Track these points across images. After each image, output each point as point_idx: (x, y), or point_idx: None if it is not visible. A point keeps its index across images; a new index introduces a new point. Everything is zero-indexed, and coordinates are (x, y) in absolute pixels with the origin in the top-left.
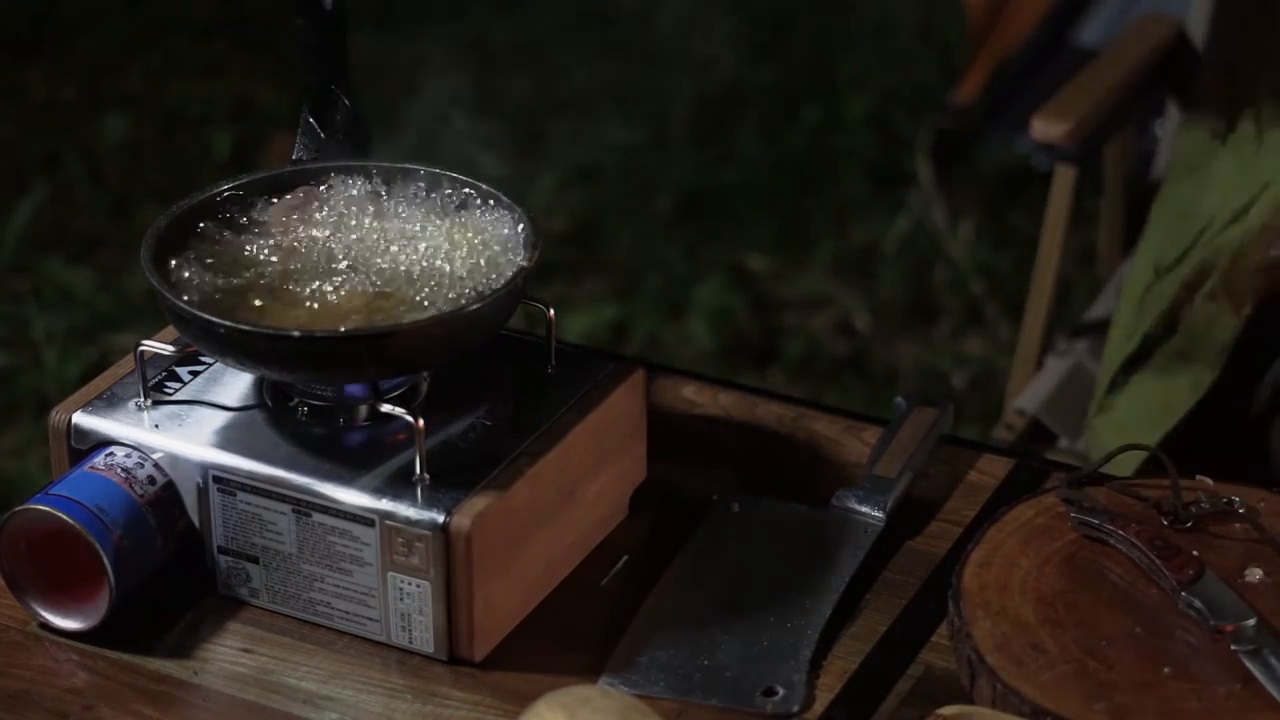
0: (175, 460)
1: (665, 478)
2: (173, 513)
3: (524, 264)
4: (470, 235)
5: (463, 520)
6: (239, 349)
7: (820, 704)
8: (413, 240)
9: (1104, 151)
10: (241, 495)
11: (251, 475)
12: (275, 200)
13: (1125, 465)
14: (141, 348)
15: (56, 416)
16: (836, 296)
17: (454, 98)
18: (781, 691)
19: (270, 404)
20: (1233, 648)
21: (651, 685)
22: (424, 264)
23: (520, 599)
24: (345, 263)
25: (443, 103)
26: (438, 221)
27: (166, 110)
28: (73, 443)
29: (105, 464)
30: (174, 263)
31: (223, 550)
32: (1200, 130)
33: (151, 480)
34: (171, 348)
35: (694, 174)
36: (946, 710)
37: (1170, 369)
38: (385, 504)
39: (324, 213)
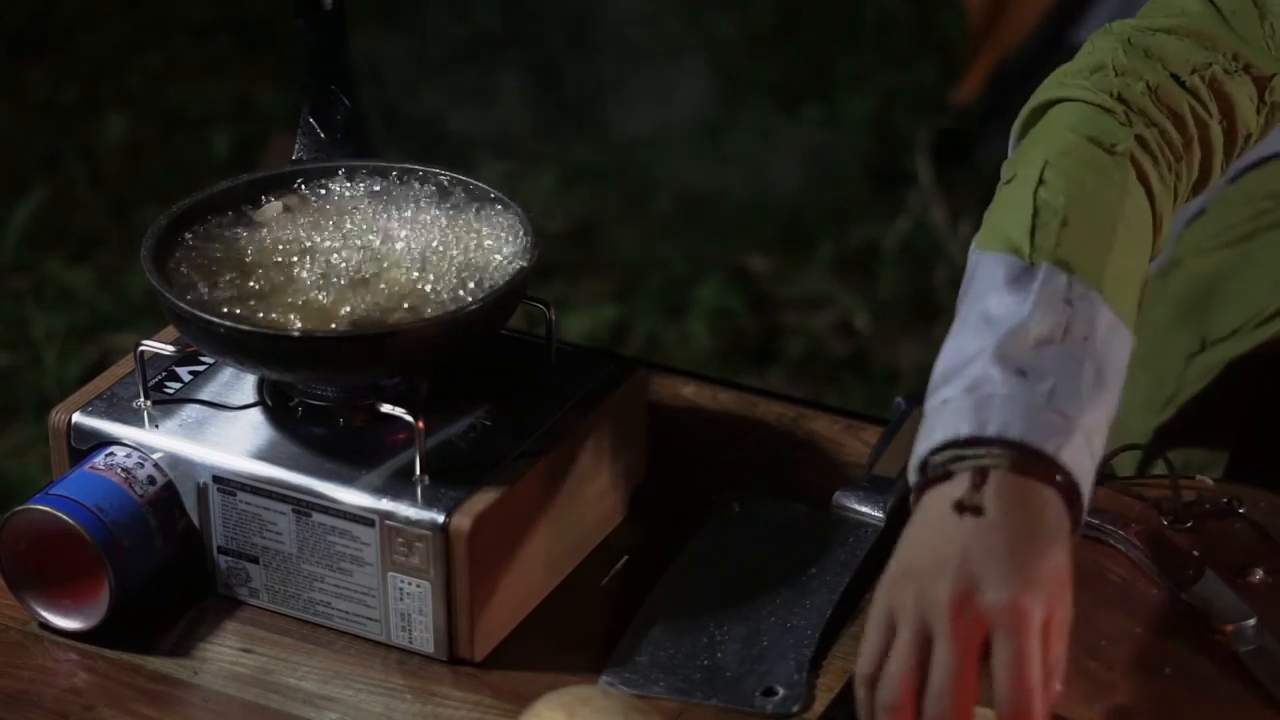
0: (175, 460)
1: (665, 478)
2: (173, 513)
3: (524, 264)
4: (470, 235)
5: (463, 520)
6: (239, 349)
7: (820, 704)
8: (412, 240)
9: None
10: (241, 495)
11: (251, 475)
12: (275, 200)
13: (1125, 465)
14: (141, 348)
15: (56, 416)
16: (836, 296)
17: (454, 96)
18: (781, 691)
19: (270, 404)
20: (1233, 648)
21: (651, 685)
22: (424, 264)
23: (520, 599)
24: (345, 262)
25: (443, 101)
26: (437, 221)
27: (166, 110)
28: (73, 443)
29: (105, 464)
30: (174, 263)
31: (223, 550)
32: (1259, 199)
33: (151, 480)
34: (171, 348)
35: (694, 174)
36: None
37: (1215, 425)
38: (385, 504)
39: (324, 212)
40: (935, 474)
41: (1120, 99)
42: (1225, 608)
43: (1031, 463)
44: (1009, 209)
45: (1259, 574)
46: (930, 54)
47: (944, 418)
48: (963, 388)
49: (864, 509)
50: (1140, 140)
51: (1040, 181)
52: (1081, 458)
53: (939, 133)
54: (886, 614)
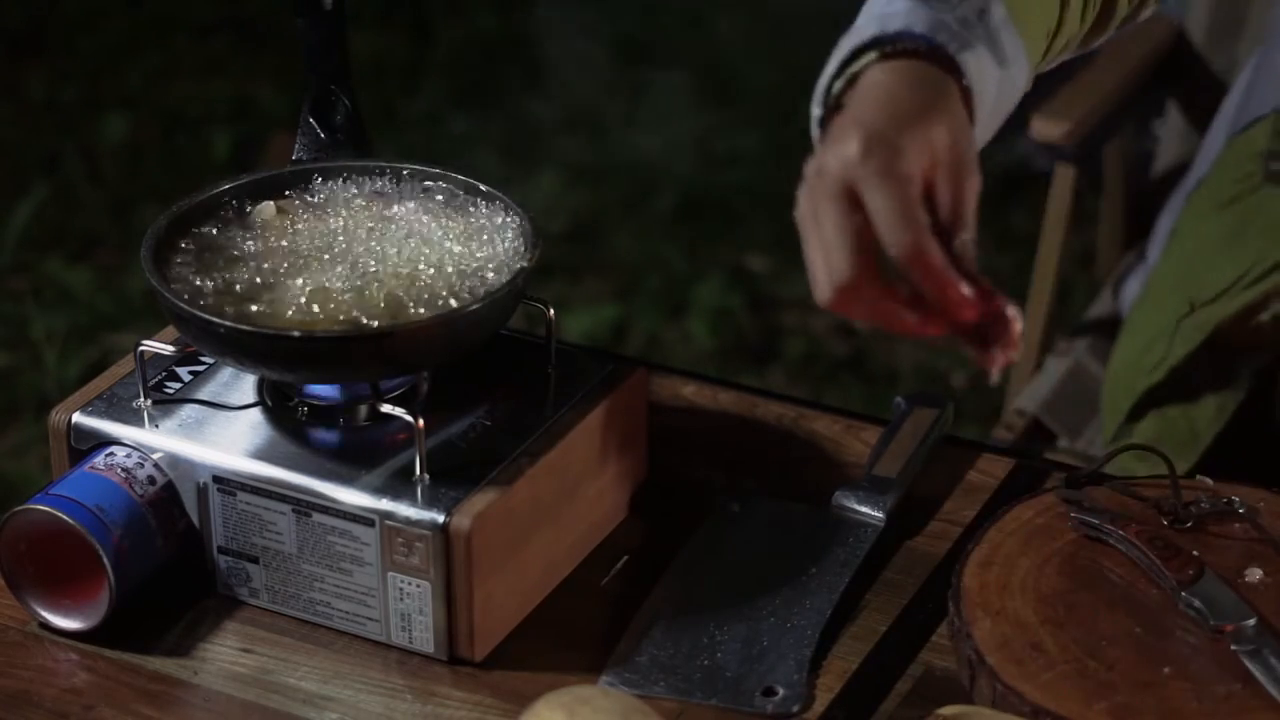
0: (175, 460)
1: (665, 477)
2: (173, 513)
3: (524, 264)
4: (470, 235)
5: (463, 520)
6: (239, 349)
7: (820, 704)
8: (412, 240)
9: (1104, 151)
10: (241, 495)
11: (251, 475)
12: (273, 200)
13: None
14: (141, 348)
15: (56, 416)
16: None
17: (454, 97)
18: (781, 691)
19: (270, 404)
20: (1233, 648)
21: (651, 685)
22: (424, 264)
23: (520, 599)
24: (344, 262)
25: (443, 102)
26: (437, 221)
27: (166, 110)
28: (73, 443)
29: (105, 464)
30: (174, 263)
31: (223, 550)
32: (1245, 160)
33: (151, 480)
34: (171, 348)
35: (694, 174)
36: (946, 710)
37: (1198, 396)
38: (385, 504)
39: (323, 213)
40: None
41: None
42: (1225, 608)
43: (931, 57)
44: None
45: (1259, 574)
46: None
47: (848, 40)
48: (867, 18)
49: (864, 509)
50: None
51: None
52: (981, 70)
53: None
54: (805, 227)
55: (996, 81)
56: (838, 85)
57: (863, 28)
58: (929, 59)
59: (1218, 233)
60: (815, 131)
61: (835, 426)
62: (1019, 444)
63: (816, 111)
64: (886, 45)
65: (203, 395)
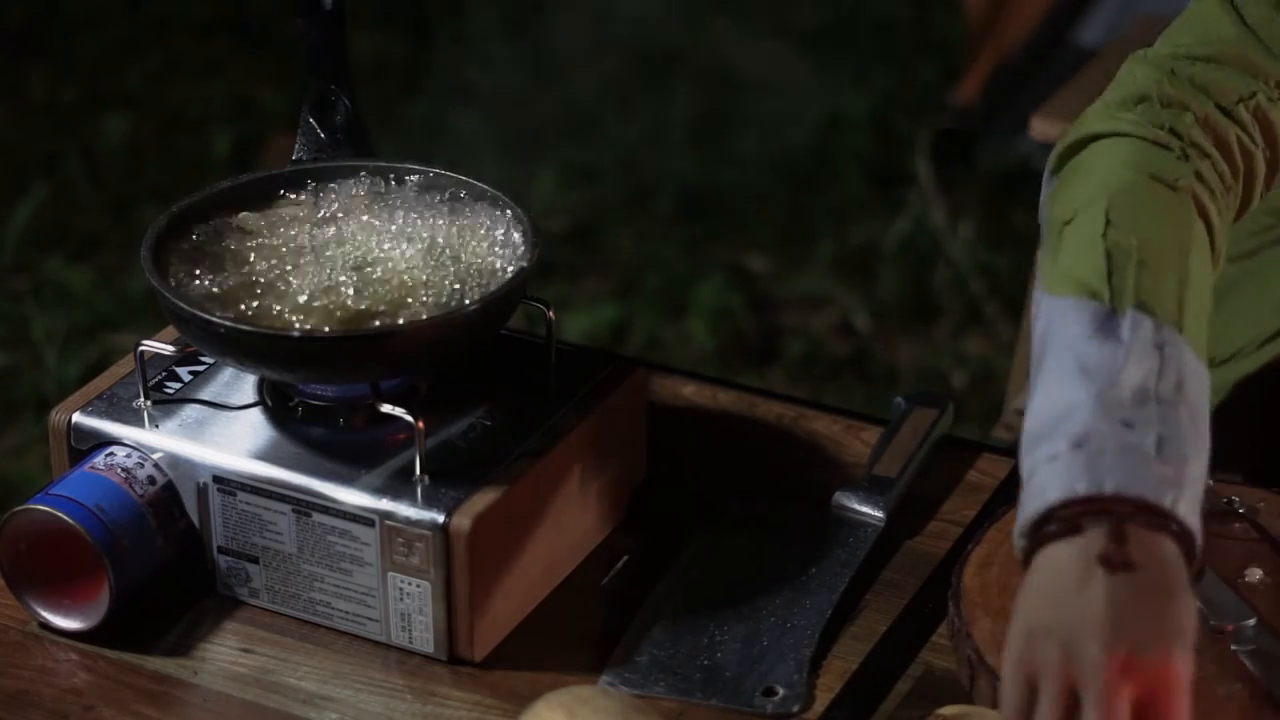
0: (175, 460)
1: (665, 478)
2: (173, 513)
3: (524, 264)
4: (470, 235)
5: (463, 520)
6: (239, 349)
7: (820, 704)
8: (412, 240)
9: None
10: (241, 495)
11: (251, 475)
12: (275, 200)
13: None
14: (141, 348)
15: (56, 416)
16: (836, 296)
17: (454, 97)
18: (781, 691)
19: (270, 404)
20: (1233, 648)
21: (651, 685)
22: (423, 264)
23: (520, 599)
24: (345, 263)
25: (443, 102)
26: (437, 221)
27: (166, 110)
28: (73, 443)
29: (105, 464)
30: (174, 262)
31: (223, 550)
32: (1261, 214)
33: (151, 480)
34: (171, 348)
35: (694, 174)
36: (946, 710)
37: (1224, 450)
38: (385, 504)
39: (324, 213)
40: (1061, 528)
41: (1173, 132)
42: (1225, 608)
43: (1151, 518)
44: (1078, 252)
45: (1259, 574)
46: (930, 54)
47: (1055, 475)
48: (1069, 443)
49: (864, 509)
50: (1198, 175)
51: (1108, 223)
52: (1194, 509)
53: (939, 133)
54: (1025, 671)
55: (1205, 461)
56: (1051, 526)
57: (1067, 461)
58: (1155, 527)
59: (1230, 285)
60: (1017, 548)
61: (835, 426)
62: (1019, 444)
63: (1020, 542)
64: (1103, 509)
65: (203, 395)
